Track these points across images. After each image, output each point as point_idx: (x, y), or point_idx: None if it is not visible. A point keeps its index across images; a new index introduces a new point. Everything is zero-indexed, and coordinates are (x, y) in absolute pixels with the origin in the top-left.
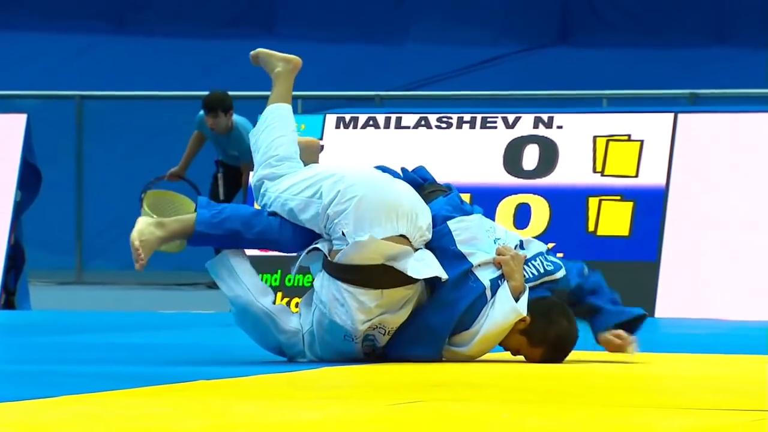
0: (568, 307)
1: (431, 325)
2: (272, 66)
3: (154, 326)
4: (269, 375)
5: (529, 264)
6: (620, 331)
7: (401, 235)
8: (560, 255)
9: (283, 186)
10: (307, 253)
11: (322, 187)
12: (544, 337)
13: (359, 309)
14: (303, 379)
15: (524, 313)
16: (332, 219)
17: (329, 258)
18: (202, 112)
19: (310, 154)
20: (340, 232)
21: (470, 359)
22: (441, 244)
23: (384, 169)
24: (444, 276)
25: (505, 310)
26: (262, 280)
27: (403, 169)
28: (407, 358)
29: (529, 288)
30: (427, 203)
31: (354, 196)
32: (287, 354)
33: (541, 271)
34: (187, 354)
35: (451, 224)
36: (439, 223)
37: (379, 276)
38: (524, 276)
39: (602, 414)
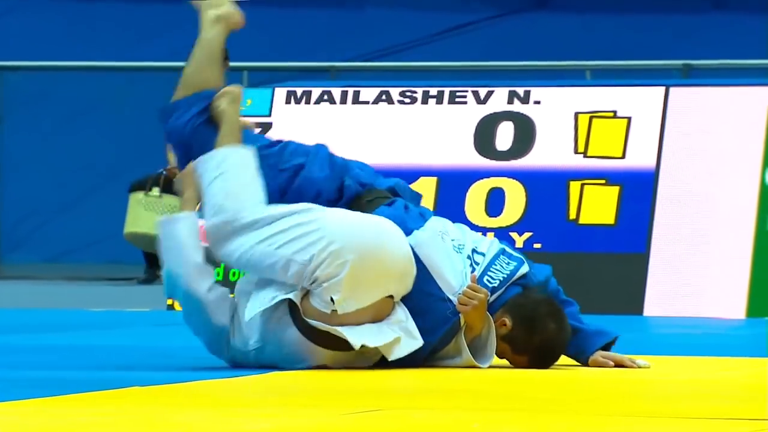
0: (557, 304)
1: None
2: (214, 105)
3: (82, 326)
4: (212, 381)
5: (492, 270)
6: (613, 354)
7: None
8: (538, 246)
9: (254, 238)
10: (274, 304)
11: (310, 247)
12: (529, 345)
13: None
14: (250, 385)
15: (485, 366)
16: (321, 282)
17: (301, 310)
18: None
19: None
20: (329, 298)
21: None
22: None
23: (338, 158)
24: (419, 344)
25: (464, 359)
26: None
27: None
28: None
29: (500, 292)
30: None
31: (347, 261)
32: (209, 349)
33: (507, 274)
34: (120, 357)
35: (416, 249)
36: None
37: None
38: (490, 289)
39: (586, 424)
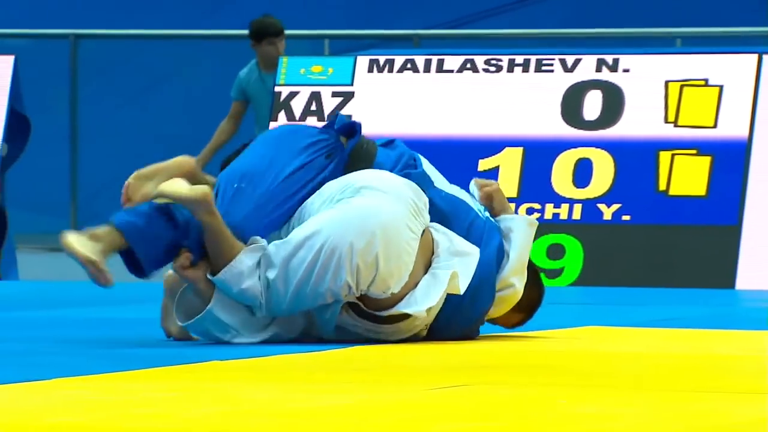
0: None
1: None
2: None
3: (156, 299)
4: (290, 355)
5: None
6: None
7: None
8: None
9: (285, 289)
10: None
11: (337, 272)
12: (529, 305)
13: (398, 333)
14: (328, 359)
15: (536, 221)
16: (368, 286)
17: (364, 307)
18: (245, 70)
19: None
20: (389, 293)
21: (516, 296)
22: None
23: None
24: (477, 257)
25: (522, 229)
26: None
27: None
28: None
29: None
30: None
31: (374, 257)
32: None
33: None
34: None
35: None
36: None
37: None
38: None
39: (665, 399)
